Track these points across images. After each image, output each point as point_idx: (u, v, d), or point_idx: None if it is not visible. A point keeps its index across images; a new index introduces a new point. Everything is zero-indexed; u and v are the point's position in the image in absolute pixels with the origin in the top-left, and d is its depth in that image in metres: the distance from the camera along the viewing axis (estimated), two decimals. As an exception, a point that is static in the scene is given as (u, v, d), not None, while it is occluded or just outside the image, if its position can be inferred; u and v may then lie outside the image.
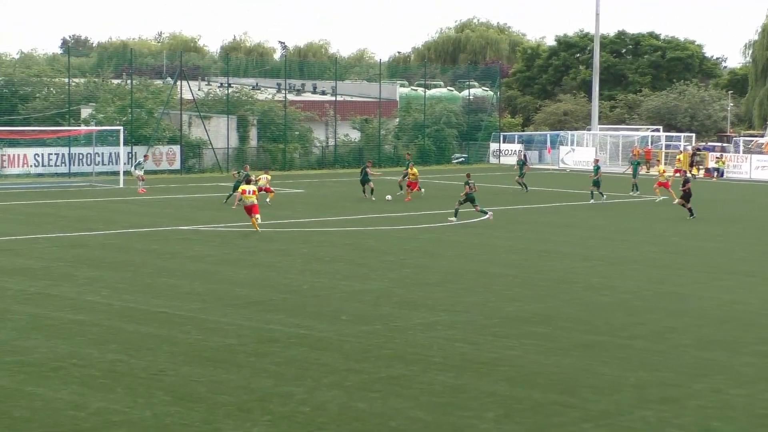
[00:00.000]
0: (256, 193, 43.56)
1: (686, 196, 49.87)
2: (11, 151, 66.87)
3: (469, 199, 46.53)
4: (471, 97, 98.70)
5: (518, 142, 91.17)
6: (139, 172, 60.27)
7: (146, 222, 45.20)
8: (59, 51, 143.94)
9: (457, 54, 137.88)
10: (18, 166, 67.23)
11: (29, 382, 20.21)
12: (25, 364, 21.51)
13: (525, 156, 75.23)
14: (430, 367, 21.96)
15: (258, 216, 41.91)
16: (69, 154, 68.55)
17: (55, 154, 68.23)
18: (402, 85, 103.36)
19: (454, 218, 46.17)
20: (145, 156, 65.81)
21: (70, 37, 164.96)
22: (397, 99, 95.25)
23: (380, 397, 19.76)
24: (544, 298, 29.89)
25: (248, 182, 43.54)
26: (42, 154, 67.93)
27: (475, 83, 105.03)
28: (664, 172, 61.30)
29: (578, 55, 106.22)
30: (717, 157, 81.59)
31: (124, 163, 66.03)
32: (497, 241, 40.85)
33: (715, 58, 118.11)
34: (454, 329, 25.60)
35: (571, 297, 30.15)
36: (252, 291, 29.84)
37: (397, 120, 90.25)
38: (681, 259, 37.48)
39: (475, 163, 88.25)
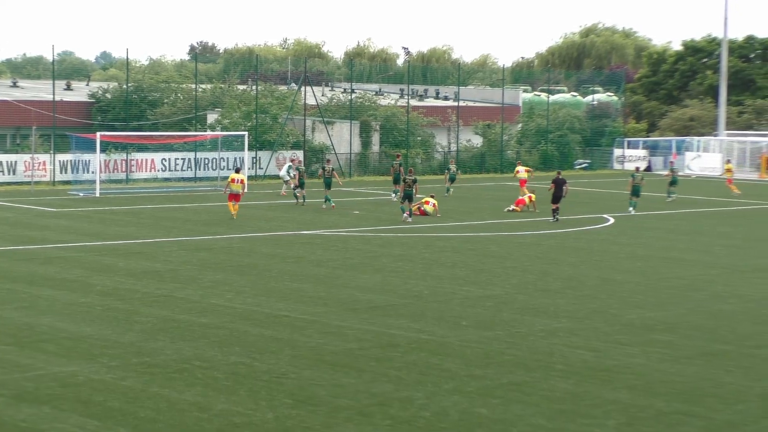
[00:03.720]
0: (244, 182, 48.74)
1: None
2: (139, 155, 67.98)
3: (407, 195, 47.31)
4: (595, 103, 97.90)
5: (642, 148, 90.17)
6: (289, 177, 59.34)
7: (270, 226, 45.65)
8: (187, 57, 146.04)
9: (581, 59, 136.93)
10: (146, 171, 68.35)
11: (154, 383, 20.53)
12: (151, 366, 21.86)
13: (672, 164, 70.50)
14: (552, 374, 21.84)
15: (236, 205, 47.15)
16: (195, 158, 69.49)
17: (182, 158, 69.19)
18: (525, 91, 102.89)
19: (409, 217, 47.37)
20: (292, 159, 64.23)
21: (197, 43, 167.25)
22: (520, 104, 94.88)
23: (501, 403, 19.71)
24: (668, 305, 29.55)
25: (237, 171, 47.31)
26: (169, 159, 68.96)
27: (599, 88, 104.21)
28: None
29: (705, 60, 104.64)
30: None
31: (249, 168, 66.71)
32: (620, 248, 40.45)
33: None
34: (576, 336, 25.44)
35: (696, 305, 29.77)
36: (373, 295, 29.96)
37: (520, 125, 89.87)
38: (810, 268, 36.75)
39: (599, 169, 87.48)
